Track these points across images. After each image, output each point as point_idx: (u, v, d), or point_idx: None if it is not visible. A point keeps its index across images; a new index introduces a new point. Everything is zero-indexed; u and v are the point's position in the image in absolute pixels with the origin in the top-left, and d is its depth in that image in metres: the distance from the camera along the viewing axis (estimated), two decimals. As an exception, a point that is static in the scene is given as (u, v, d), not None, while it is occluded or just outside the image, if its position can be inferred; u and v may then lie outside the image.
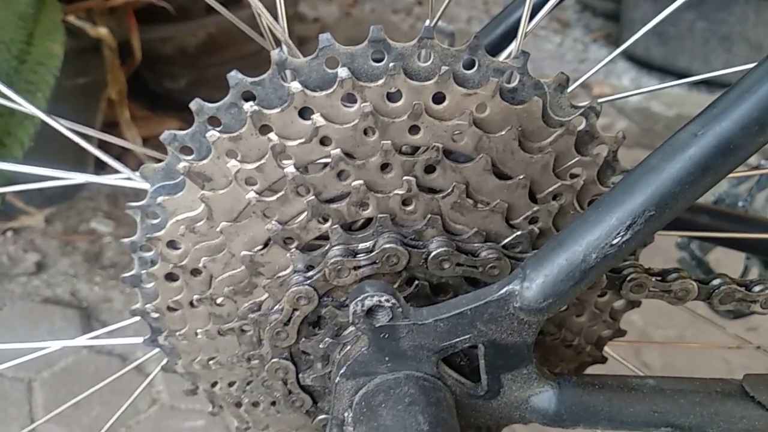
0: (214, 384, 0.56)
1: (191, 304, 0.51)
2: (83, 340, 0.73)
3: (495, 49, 0.71)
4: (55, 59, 1.02)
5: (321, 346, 0.47)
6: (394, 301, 0.40)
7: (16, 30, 0.99)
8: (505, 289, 0.41)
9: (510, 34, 0.71)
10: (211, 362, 0.54)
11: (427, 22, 0.48)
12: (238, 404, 0.57)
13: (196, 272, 0.50)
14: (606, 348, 0.59)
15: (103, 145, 0.52)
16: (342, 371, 0.43)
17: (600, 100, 0.50)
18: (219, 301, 0.50)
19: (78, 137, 0.51)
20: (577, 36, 3.18)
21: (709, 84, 2.70)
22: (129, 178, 0.52)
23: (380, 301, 0.40)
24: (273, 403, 0.55)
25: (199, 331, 0.52)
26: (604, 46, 3.06)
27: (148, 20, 1.92)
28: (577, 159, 0.48)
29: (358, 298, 0.40)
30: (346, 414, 0.43)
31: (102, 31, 1.74)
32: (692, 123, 0.38)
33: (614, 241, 0.38)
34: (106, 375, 0.71)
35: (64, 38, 1.20)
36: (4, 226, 1.74)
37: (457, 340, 0.42)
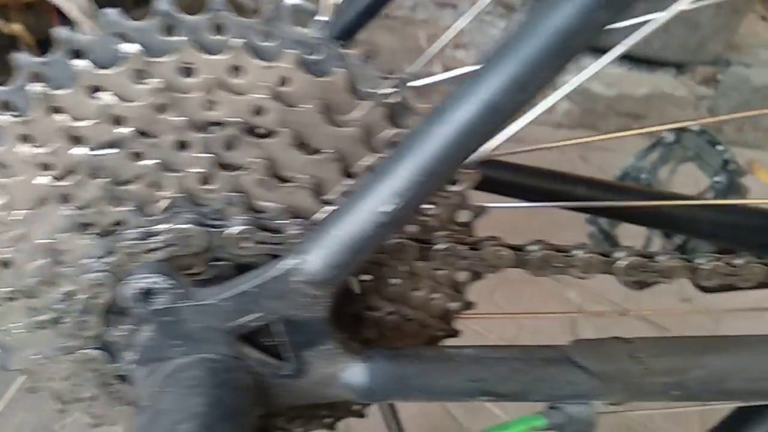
0: (49, 379, 0.54)
1: (8, 298, 0.49)
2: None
3: (353, 28, 0.70)
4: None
5: (125, 334, 0.46)
6: (171, 281, 0.39)
7: None
8: (284, 264, 0.40)
9: (367, 13, 0.70)
10: (38, 357, 0.52)
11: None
12: (79, 399, 0.55)
13: (5, 264, 0.48)
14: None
15: None
16: (136, 358, 0.42)
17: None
18: (30, 292, 0.48)
19: None
20: (522, 19, 3.18)
21: (649, 63, 2.73)
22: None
23: (153, 283, 0.39)
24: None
25: (20, 325, 0.50)
26: (549, 28, 3.07)
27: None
28: (393, 131, 0.47)
29: (129, 281, 0.39)
30: (143, 401, 0.42)
31: (16, 28, 1.68)
32: (457, 88, 0.37)
33: (387, 210, 0.37)
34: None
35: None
36: None
37: (247, 318, 0.41)
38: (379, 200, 0.37)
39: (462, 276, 0.55)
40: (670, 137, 1.12)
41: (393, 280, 0.51)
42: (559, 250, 0.48)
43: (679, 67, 2.73)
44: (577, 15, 0.34)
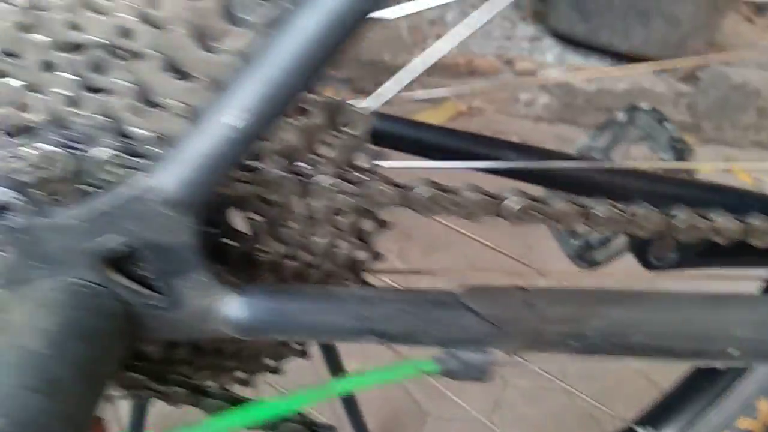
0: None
1: None
2: None
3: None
4: None
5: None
6: (22, 197, 0.37)
7: None
8: (137, 182, 0.38)
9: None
10: None
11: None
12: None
13: None
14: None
15: None
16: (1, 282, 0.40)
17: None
18: None
19: None
20: (506, 14, 3.18)
21: (630, 59, 2.72)
22: None
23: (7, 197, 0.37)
24: None
25: None
26: (532, 24, 3.07)
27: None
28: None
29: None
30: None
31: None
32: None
33: (237, 125, 0.35)
34: None
35: None
36: None
37: (106, 240, 0.39)
38: (229, 116, 0.35)
39: (367, 225, 0.54)
40: (623, 117, 1.11)
41: (287, 223, 0.49)
42: (445, 190, 0.46)
43: (660, 64, 2.72)
44: None
